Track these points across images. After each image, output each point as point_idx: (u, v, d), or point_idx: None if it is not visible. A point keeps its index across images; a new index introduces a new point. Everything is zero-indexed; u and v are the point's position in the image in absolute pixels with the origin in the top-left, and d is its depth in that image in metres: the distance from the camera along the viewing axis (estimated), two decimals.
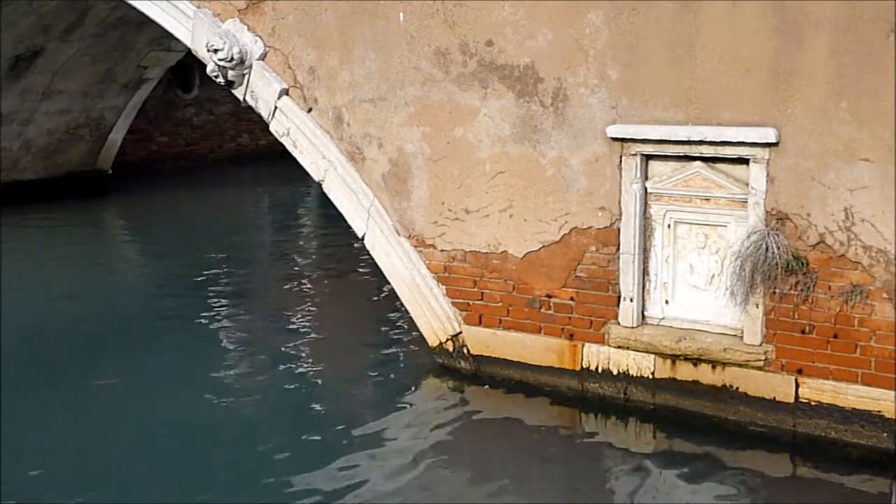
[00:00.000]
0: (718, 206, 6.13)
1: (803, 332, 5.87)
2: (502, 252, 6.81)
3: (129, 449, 6.26)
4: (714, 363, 6.15)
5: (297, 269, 11.46)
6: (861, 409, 5.74)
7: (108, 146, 16.02)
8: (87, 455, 6.19)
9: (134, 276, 11.65)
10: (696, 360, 6.21)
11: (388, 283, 7.45)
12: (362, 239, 7.37)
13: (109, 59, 14.43)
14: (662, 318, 6.43)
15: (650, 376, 6.40)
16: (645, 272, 6.42)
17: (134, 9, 8.42)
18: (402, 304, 7.46)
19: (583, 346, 6.61)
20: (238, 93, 7.71)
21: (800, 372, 5.91)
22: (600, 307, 6.52)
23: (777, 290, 5.88)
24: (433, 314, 7.14)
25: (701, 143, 5.97)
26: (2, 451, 6.02)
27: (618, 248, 6.38)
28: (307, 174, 7.61)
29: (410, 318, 7.38)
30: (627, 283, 6.39)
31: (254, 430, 6.53)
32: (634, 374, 6.45)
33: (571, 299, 6.60)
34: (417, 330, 7.34)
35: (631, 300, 6.40)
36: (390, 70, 6.99)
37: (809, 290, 5.80)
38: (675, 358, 6.28)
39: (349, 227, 7.52)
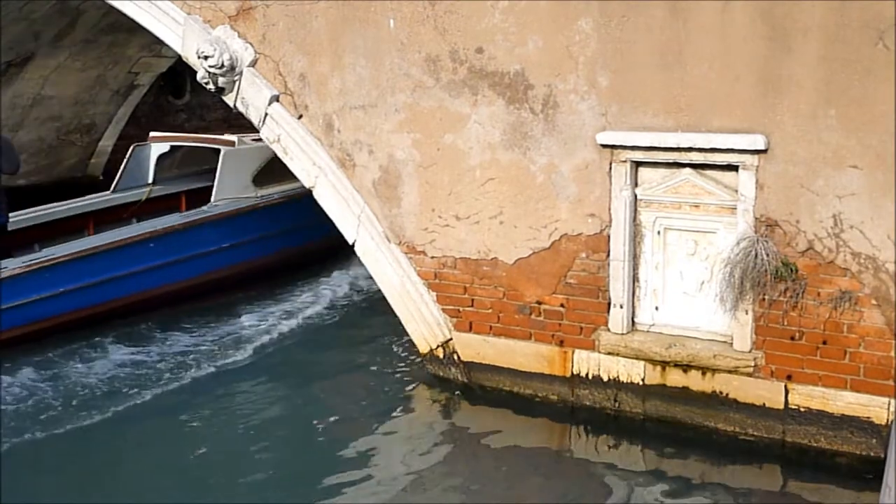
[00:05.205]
0: (708, 213, 6.14)
1: (792, 338, 5.88)
2: (492, 258, 6.81)
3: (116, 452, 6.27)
4: (704, 370, 6.16)
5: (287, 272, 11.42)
6: (850, 416, 5.75)
7: (99, 152, 15.97)
8: None
9: None
10: (685, 367, 6.21)
11: (379, 289, 7.46)
12: (353, 245, 7.36)
13: (100, 65, 14.40)
14: (652, 325, 6.44)
15: (640, 383, 6.40)
16: (635, 279, 6.43)
17: (125, 15, 8.40)
18: (392, 311, 7.44)
19: (573, 352, 6.61)
20: (229, 99, 7.70)
21: (789, 378, 5.92)
22: (590, 313, 6.52)
23: (766, 297, 5.89)
24: (423, 321, 7.14)
25: (690, 149, 5.99)
26: None
27: (608, 255, 6.38)
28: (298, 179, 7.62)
29: (401, 324, 7.36)
30: (617, 290, 6.39)
31: (241, 442, 6.52)
32: (625, 381, 6.45)
33: (562, 306, 6.61)
34: (408, 336, 7.33)
35: (621, 306, 6.40)
36: (381, 77, 6.99)
37: (799, 296, 5.81)
38: (665, 364, 6.29)
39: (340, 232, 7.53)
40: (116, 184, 10.66)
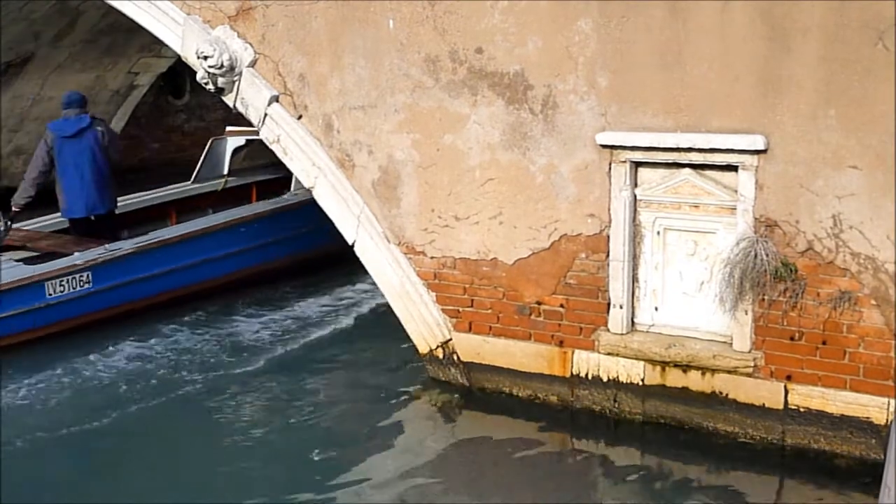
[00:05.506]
0: (708, 213, 6.14)
1: (792, 338, 5.88)
2: (492, 259, 6.81)
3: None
4: (703, 370, 6.15)
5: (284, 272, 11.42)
6: (849, 416, 5.75)
7: None
8: None
9: None
10: (685, 367, 6.21)
11: (379, 289, 7.45)
12: (352, 245, 7.36)
13: (100, 65, 14.40)
14: (652, 325, 6.44)
15: (640, 383, 6.40)
16: (634, 279, 6.42)
17: (124, 15, 8.40)
18: (392, 311, 7.44)
19: (573, 352, 6.61)
20: (228, 99, 7.70)
21: (789, 378, 5.92)
22: (590, 314, 6.52)
23: (766, 297, 5.89)
24: (423, 321, 7.14)
25: (690, 150, 5.99)
26: None
27: (607, 255, 6.38)
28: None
29: (401, 324, 7.36)
30: (617, 290, 6.39)
31: (236, 444, 6.52)
32: (624, 381, 6.45)
33: (561, 306, 6.60)
34: (408, 336, 7.32)
35: (620, 307, 6.40)
36: (380, 77, 6.99)
37: (798, 296, 5.81)
38: (664, 365, 6.28)
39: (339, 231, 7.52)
40: (196, 175, 11.39)
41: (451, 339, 7.07)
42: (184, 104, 19.10)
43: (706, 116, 5.91)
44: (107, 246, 8.86)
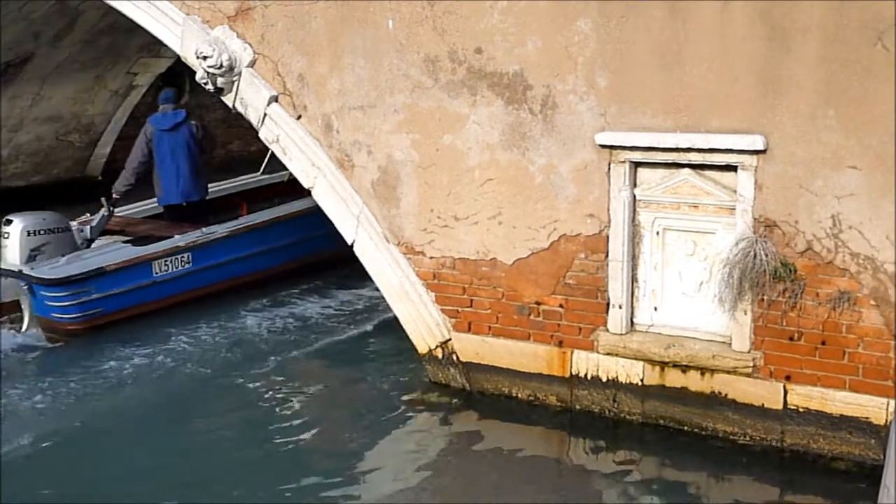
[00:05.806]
0: (707, 214, 6.14)
1: (791, 338, 5.88)
2: (491, 259, 6.80)
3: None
4: (703, 370, 6.15)
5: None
6: (849, 416, 5.75)
7: (97, 153, 15.94)
8: None
9: None
10: (684, 367, 6.21)
11: (378, 289, 7.45)
12: (352, 246, 7.36)
13: (99, 65, 14.39)
14: (651, 325, 6.44)
15: (639, 383, 6.39)
16: (634, 279, 6.42)
17: (124, 15, 8.40)
18: (391, 310, 7.43)
19: (572, 352, 6.61)
20: (227, 100, 7.70)
21: (788, 379, 5.92)
22: (589, 314, 6.51)
23: (765, 297, 5.89)
24: (422, 321, 7.13)
25: (689, 150, 5.99)
26: None
27: (607, 255, 6.38)
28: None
29: (400, 324, 7.35)
30: (616, 290, 6.39)
31: (232, 445, 6.51)
32: (623, 381, 6.44)
33: (560, 306, 6.60)
34: (407, 336, 7.32)
35: (620, 307, 6.40)
36: (379, 77, 6.99)
37: (797, 297, 5.81)
38: (663, 365, 6.28)
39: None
40: (264, 167, 11.89)
41: (450, 340, 7.07)
42: (183, 104, 19.04)
43: (706, 116, 5.91)
44: (203, 230, 9.56)
